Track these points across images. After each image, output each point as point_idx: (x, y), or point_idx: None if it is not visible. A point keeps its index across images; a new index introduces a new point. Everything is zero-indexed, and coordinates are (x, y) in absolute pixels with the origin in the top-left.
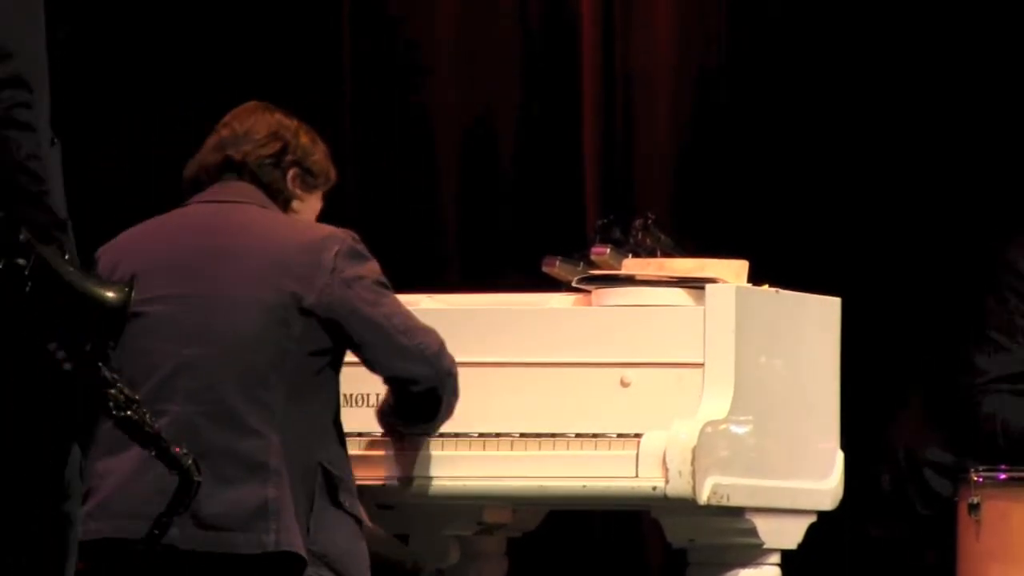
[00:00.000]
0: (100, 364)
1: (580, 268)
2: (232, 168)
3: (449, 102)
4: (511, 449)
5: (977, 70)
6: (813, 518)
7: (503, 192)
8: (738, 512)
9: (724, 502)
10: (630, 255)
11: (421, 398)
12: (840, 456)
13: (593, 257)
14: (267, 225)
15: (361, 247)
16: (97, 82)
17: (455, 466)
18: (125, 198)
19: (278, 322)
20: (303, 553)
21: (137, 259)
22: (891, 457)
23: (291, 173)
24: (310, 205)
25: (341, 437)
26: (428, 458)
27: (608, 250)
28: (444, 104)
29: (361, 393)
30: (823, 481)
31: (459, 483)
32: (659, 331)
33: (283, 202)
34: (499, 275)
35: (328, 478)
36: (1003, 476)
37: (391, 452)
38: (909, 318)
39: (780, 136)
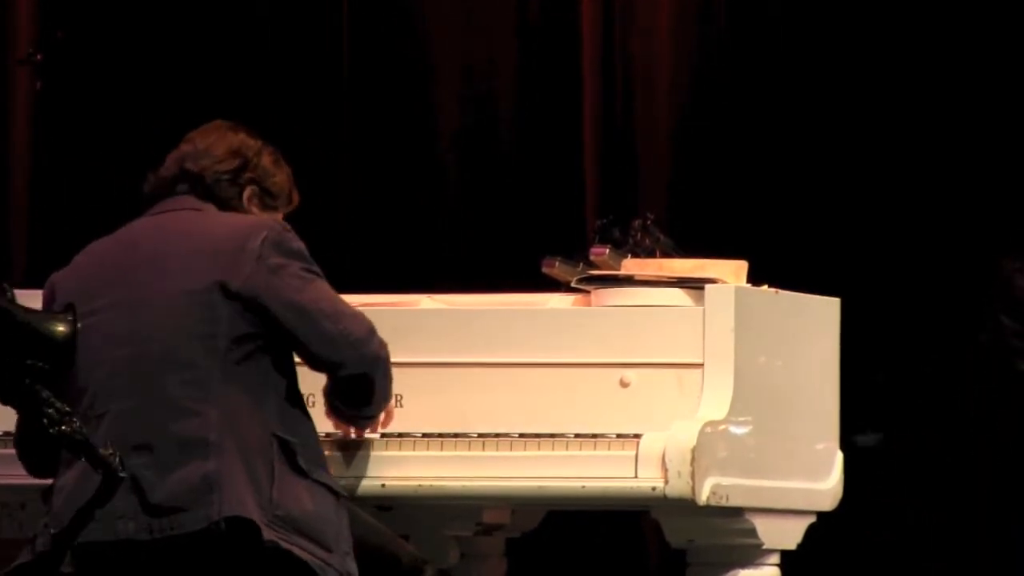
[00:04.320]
0: (37, 387)
1: (579, 268)
2: (186, 179)
3: (449, 100)
4: (510, 449)
5: (982, 80)
6: (812, 518)
7: (503, 192)
8: (737, 512)
9: (723, 502)
10: (629, 255)
11: (351, 383)
12: (839, 456)
13: (592, 257)
14: (196, 222)
15: (290, 235)
16: (96, 82)
17: (454, 466)
18: (125, 198)
19: (203, 308)
20: (254, 518)
21: (72, 280)
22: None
23: (248, 191)
24: None
25: (299, 410)
26: (427, 458)
27: (607, 250)
28: (444, 102)
29: None
30: (822, 481)
31: (458, 483)
32: (658, 331)
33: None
34: (499, 275)
35: (284, 447)
36: None
37: (389, 453)
38: (909, 319)
39: (780, 136)
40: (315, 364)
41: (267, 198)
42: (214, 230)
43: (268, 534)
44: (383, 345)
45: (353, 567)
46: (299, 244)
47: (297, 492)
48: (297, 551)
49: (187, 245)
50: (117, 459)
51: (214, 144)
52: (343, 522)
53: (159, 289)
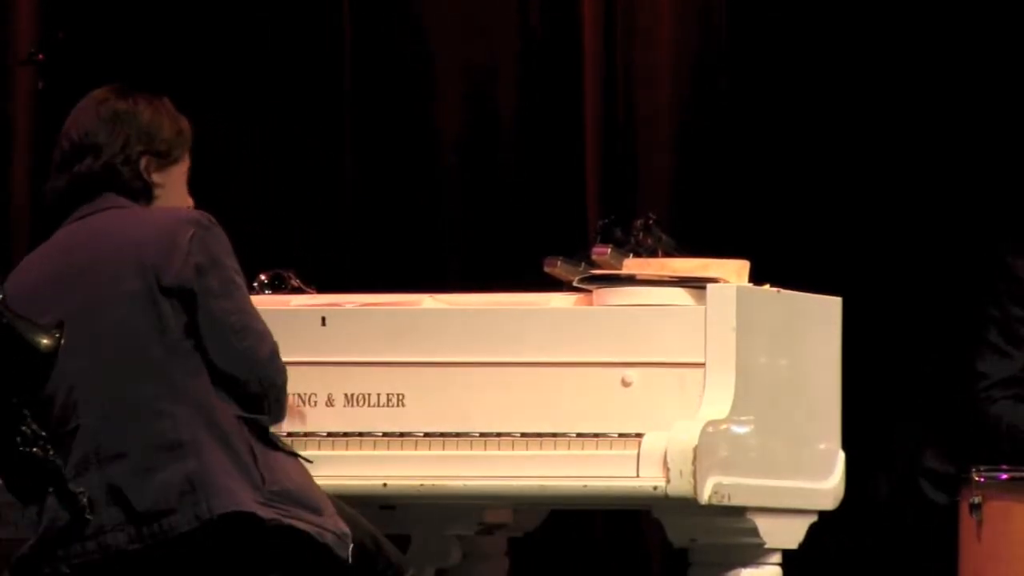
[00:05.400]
0: (16, 401)
1: (581, 268)
2: (84, 180)
3: (450, 101)
4: (512, 449)
5: (981, 74)
6: (814, 518)
7: (504, 191)
8: (739, 512)
9: (725, 502)
10: (631, 255)
11: (246, 398)
12: (841, 456)
13: (594, 257)
14: (125, 222)
15: (217, 231)
16: (97, 82)
17: (456, 466)
18: None
19: (150, 306)
20: (250, 508)
21: (16, 297)
22: (888, 465)
23: (142, 163)
24: (173, 179)
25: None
26: (429, 458)
27: (609, 250)
28: (445, 103)
29: (361, 393)
30: (824, 481)
31: (460, 483)
32: (660, 331)
33: (145, 193)
34: (500, 275)
35: (253, 425)
36: (1004, 476)
37: (391, 452)
38: (910, 318)
39: (782, 136)
40: (218, 372)
41: (161, 159)
42: (144, 227)
43: (268, 513)
44: (281, 371)
45: (343, 526)
46: (225, 241)
47: (280, 465)
48: (297, 523)
49: (122, 246)
50: (86, 499)
51: (91, 130)
52: (314, 483)
53: (107, 295)
